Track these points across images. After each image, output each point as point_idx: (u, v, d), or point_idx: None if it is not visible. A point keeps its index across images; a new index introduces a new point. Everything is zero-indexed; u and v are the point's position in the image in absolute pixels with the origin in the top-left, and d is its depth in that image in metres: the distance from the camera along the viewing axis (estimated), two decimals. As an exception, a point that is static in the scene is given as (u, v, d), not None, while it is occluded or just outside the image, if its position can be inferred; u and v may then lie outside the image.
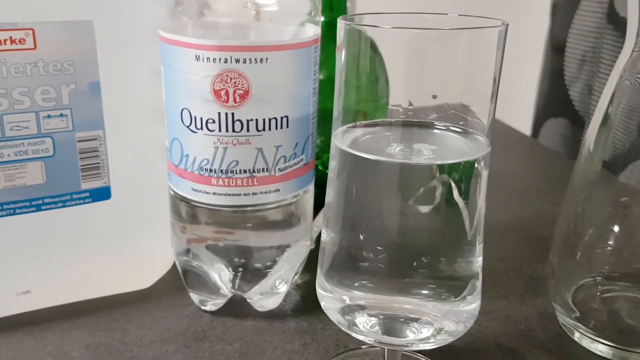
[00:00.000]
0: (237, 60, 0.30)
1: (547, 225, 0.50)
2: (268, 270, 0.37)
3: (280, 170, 0.34)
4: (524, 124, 0.85)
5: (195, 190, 0.34)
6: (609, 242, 0.36)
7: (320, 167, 0.46)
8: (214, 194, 0.33)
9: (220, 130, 0.32)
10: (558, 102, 0.78)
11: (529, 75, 0.93)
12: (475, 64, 0.26)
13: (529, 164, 0.67)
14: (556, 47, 0.78)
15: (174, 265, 0.40)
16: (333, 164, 0.28)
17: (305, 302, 0.39)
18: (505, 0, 1.07)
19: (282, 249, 0.37)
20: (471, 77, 0.26)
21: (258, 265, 0.36)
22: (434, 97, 0.26)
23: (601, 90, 0.35)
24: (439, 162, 0.26)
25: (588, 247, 0.37)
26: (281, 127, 0.33)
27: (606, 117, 0.35)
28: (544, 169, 0.66)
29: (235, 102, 0.31)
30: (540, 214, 0.52)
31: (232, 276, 0.36)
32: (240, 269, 0.36)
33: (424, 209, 0.26)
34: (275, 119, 0.32)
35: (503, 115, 0.81)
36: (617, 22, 0.67)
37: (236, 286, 0.37)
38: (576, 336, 0.36)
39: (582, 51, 0.74)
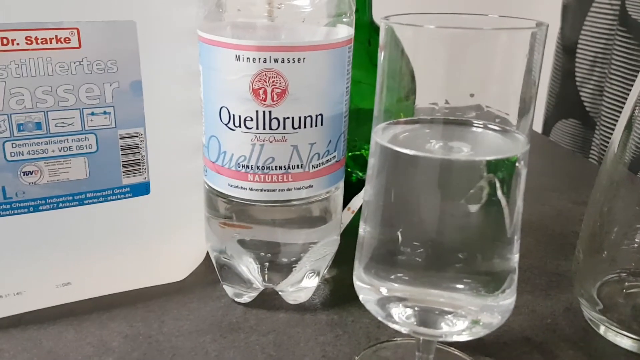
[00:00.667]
0: (276, 60, 0.31)
1: (567, 223, 0.51)
2: (298, 265, 0.37)
3: (313, 167, 0.35)
4: (534, 124, 0.85)
5: (231, 185, 0.35)
6: (635, 240, 0.37)
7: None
8: (250, 189, 0.34)
9: (257, 128, 0.33)
10: (569, 103, 0.78)
11: (540, 76, 0.93)
12: (512, 65, 0.26)
13: (543, 162, 0.68)
14: (567, 49, 0.78)
15: (206, 259, 0.41)
16: (372, 162, 0.29)
17: (334, 295, 0.40)
18: (515, 1, 1.07)
19: (313, 243, 0.38)
20: (510, 78, 0.26)
21: (290, 259, 0.37)
22: (472, 95, 0.27)
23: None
24: (480, 158, 0.27)
25: (613, 244, 0.38)
26: (316, 125, 0.34)
27: (631, 119, 0.35)
28: (559, 167, 0.67)
29: (273, 101, 0.32)
30: (559, 212, 0.53)
31: (259, 270, 0.37)
32: (266, 263, 0.37)
33: (468, 206, 0.26)
34: (311, 117, 0.33)
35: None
36: (628, 24, 0.68)
37: (266, 279, 0.38)
38: (602, 330, 0.37)
39: (593, 52, 0.74)
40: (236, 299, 0.39)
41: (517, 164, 0.27)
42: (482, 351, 0.34)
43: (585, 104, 0.76)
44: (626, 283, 0.38)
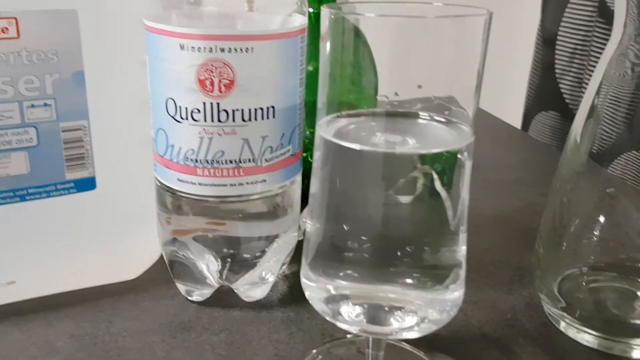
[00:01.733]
0: (222, 50, 0.30)
1: (535, 216, 0.50)
2: (256, 261, 0.37)
3: (266, 160, 0.34)
4: (514, 117, 0.85)
5: (180, 180, 0.33)
6: (595, 233, 0.37)
7: (310, 159, 0.46)
8: (200, 184, 0.33)
9: (205, 120, 0.32)
10: (549, 95, 0.78)
11: (520, 69, 0.93)
12: (460, 54, 0.26)
13: (518, 157, 0.67)
14: (547, 41, 0.78)
15: (162, 256, 0.40)
16: (317, 155, 0.28)
17: (292, 292, 0.39)
18: (497, -7, 1.07)
19: (269, 240, 0.37)
20: (456, 67, 0.26)
21: (245, 256, 0.36)
22: (419, 87, 0.26)
23: None
24: (422, 152, 0.26)
25: (574, 237, 0.37)
26: (267, 118, 0.33)
27: (593, 109, 0.35)
28: (533, 161, 0.66)
29: (221, 92, 0.31)
30: (528, 206, 0.52)
31: (219, 267, 0.36)
32: (228, 260, 0.36)
33: (406, 198, 0.26)
34: (262, 109, 0.32)
35: (494, 109, 0.81)
36: (607, 16, 0.67)
37: (224, 277, 0.37)
38: (562, 326, 0.36)
39: (573, 44, 0.74)
40: (190, 298, 0.38)
41: (460, 156, 0.26)
42: (437, 347, 0.34)
43: (565, 96, 0.75)
44: (587, 277, 0.38)
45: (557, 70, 0.77)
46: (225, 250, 0.36)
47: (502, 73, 1.06)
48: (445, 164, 0.26)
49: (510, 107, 0.90)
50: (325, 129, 0.27)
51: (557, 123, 0.78)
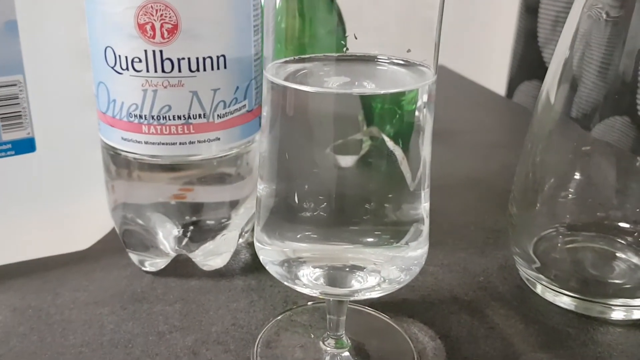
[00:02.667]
0: (163, -10, 0.27)
1: (510, 178, 0.48)
2: (217, 228, 0.34)
3: (219, 116, 0.31)
4: (498, 87, 0.83)
5: (125, 139, 0.31)
6: (571, 191, 0.35)
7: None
8: (146, 143, 0.31)
9: (148, 71, 0.29)
10: (532, 64, 0.76)
11: (503, 38, 0.91)
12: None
13: (498, 121, 0.66)
14: (530, 9, 0.76)
15: (116, 225, 0.38)
16: (266, 110, 0.25)
17: (255, 260, 0.36)
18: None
19: (233, 205, 0.34)
20: (414, 4, 0.23)
21: (209, 222, 0.34)
22: (378, 27, 0.24)
23: None
24: (381, 92, 0.23)
25: (549, 197, 0.35)
26: (218, 68, 0.30)
27: (565, 63, 0.33)
28: (513, 125, 0.64)
29: (164, 38, 0.28)
30: (505, 169, 0.50)
31: (178, 234, 0.34)
32: (189, 227, 0.34)
33: (359, 152, 0.23)
34: (211, 57, 0.30)
35: (477, 78, 0.79)
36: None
37: (182, 245, 0.34)
38: (538, 289, 0.34)
39: (555, 12, 0.72)
40: (143, 268, 0.35)
41: (419, 102, 0.24)
42: (405, 312, 0.32)
43: (548, 65, 0.74)
44: (563, 238, 0.36)
45: (539, 39, 0.75)
46: (182, 217, 0.34)
47: (486, 42, 1.03)
48: (403, 113, 0.24)
49: (494, 77, 0.87)
50: (274, 73, 0.24)
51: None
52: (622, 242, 0.35)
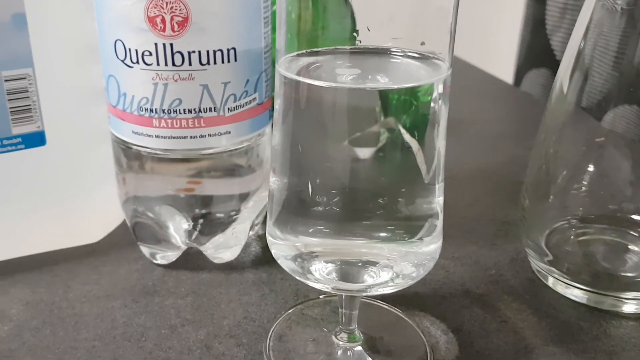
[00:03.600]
0: (173, -17, 0.27)
1: (521, 170, 0.48)
2: (230, 221, 0.34)
3: (230, 110, 0.31)
4: (506, 75, 0.82)
5: (136, 133, 0.31)
6: (584, 184, 0.35)
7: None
8: (157, 136, 0.30)
9: (158, 64, 0.29)
10: (540, 52, 0.75)
11: (511, 26, 0.90)
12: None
13: (506, 110, 0.65)
14: (538, -4, 0.75)
15: (125, 218, 0.38)
16: (278, 102, 0.25)
17: (265, 253, 0.37)
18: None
19: (243, 197, 0.34)
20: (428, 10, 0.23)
21: (219, 215, 0.34)
22: (392, 19, 0.23)
23: None
24: (395, 86, 0.23)
25: (561, 189, 0.35)
26: (228, 61, 0.30)
27: (579, 53, 0.32)
28: (522, 115, 0.64)
29: (174, 31, 0.28)
30: (514, 159, 0.50)
31: (188, 227, 0.34)
32: (200, 220, 0.34)
33: (374, 146, 0.23)
34: (221, 51, 0.29)
35: (485, 66, 0.78)
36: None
37: (192, 238, 0.34)
38: (550, 281, 0.34)
39: (563, 0, 0.71)
40: (155, 261, 0.35)
41: (434, 95, 0.23)
42: (416, 305, 0.32)
43: (556, 52, 0.73)
44: (576, 230, 0.36)
45: (547, 27, 0.74)
46: (192, 210, 0.34)
47: (493, 30, 1.03)
48: (418, 106, 0.23)
49: (501, 65, 0.87)
50: (287, 67, 0.24)
51: (549, 81, 0.75)
52: (635, 234, 0.34)
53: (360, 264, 0.26)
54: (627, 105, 0.33)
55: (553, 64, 0.74)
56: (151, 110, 0.30)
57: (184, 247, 0.35)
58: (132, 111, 0.30)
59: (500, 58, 0.91)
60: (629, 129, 0.33)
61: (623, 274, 0.33)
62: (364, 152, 0.24)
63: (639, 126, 0.33)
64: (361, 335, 0.29)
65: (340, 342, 0.29)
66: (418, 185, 0.25)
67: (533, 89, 0.77)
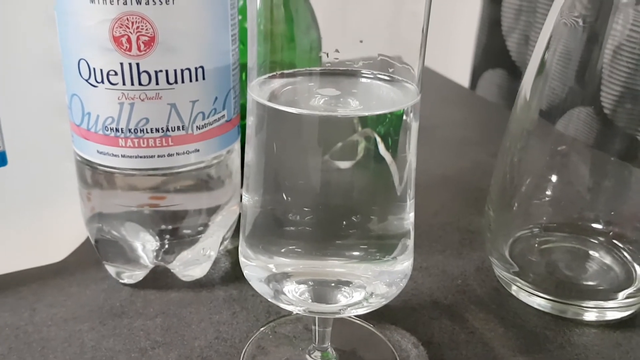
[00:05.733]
0: (139, 2, 0.27)
1: (484, 176, 0.49)
2: (197, 237, 0.34)
3: (198, 128, 0.31)
4: (462, 75, 0.84)
5: (101, 152, 0.30)
6: (547, 192, 0.36)
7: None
8: (123, 156, 0.30)
9: (124, 84, 0.28)
10: (496, 53, 0.77)
11: (467, 27, 0.91)
12: (402, 8, 0.23)
13: (465, 115, 0.66)
14: (493, -3, 0.76)
15: (90, 236, 0.37)
16: (251, 120, 0.25)
17: (235, 269, 0.36)
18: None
19: (210, 212, 0.34)
20: (399, 21, 0.23)
21: (186, 231, 0.33)
22: (361, 42, 0.24)
23: (538, 40, 0.34)
24: (365, 114, 0.23)
25: (525, 197, 0.36)
26: (196, 80, 0.29)
27: (542, 64, 0.33)
28: (481, 120, 0.65)
29: (140, 51, 0.28)
30: (476, 166, 0.51)
31: (156, 245, 0.33)
32: (167, 237, 0.33)
33: (349, 164, 0.23)
34: (189, 69, 0.29)
35: (441, 67, 0.79)
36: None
37: (160, 256, 0.34)
38: (513, 290, 0.35)
39: (518, 1, 0.73)
40: (121, 280, 0.35)
41: (405, 117, 0.24)
42: (387, 319, 0.32)
43: (512, 53, 0.75)
44: (539, 239, 0.37)
45: (503, 28, 0.75)
46: (162, 226, 0.33)
47: (449, 31, 1.04)
48: (390, 127, 0.24)
49: (457, 66, 0.88)
50: (258, 91, 0.24)
51: (505, 81, 0.77)
52: (595, 241, 0.36)
53: (333, 284, 0.26)
54: (583, 108, 0.34)
55: (509, 65, 0.75)
56: (117, 130, 0.29)
57: (151, 266, 0.34)
58: (97, 131, 0.30)
59: (456, 59, 0.93)
60: (584, 132, 0.34)
61: (584, 282, 0.34)
62: (341, 170, 0.24)
63: (593, 128, 0.34)
64: (334, 352, 0.29)
65: (314, 361, 0.29)
66: (392, 202, 0.25)
67: (489, 89, 0.78)
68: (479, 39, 0.81)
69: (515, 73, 0.75)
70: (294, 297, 0.26)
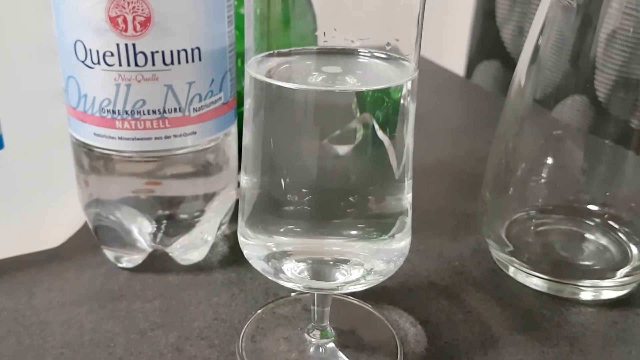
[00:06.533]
0: (135, -18, 0.27)
1: (479, 163, 0.49)
2: (195, 221, 0.34)
3: (195, 110, 0.31)
4: (457, 67, 0.84)
5: (98, 135, 0.30)
6: (542, 176, 0.36)
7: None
8: (120, 138, 0.30)
9: (120, 65, 0.28)
10: (490, 44, 0.77)
11: (462, 18, 0.92)
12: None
13: (461, 104, 0.66)
14: (487, -12, 0.76)
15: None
16: (248, 102, 0.25)
17: (233, 252, 0.36)
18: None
19: (207, 198, 0.34)
20: (394, 10, 0.23)
21: (183, 216, 0.33)
22: (356, 22, 0.24)
23: None
24: (363, 89, 0.23)
25: (521, 181, 0.36)
26: (192, 61, 0.29)
27: (536, 49, 0.33)
28: (476, 108, 0.65)
29: (136, 31, 0.28)
30: (471, 153, 0.51)
31: (153, 229, 0.33)
32: (164, 222, 0.33)
33: (347, 144, 0.23)
34: (185, 50, 0.29)
35: (436, 58, 0.79)
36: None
37: (158, 240, 0.34)
38: (511, 271, 0.35)
39: (513, -9, 0.73)
40: (119, 264, 0.35)
41: (403, 98, 0.24)
42: (385, 299, 0.32)
43: (506, 44, 0.75)
44: (535, 221, 0.37)
45: (497, 19, 0.76)
46: (160, 211, 0.33)
47: (444, 22, 1.04)
48: (388, 107, 0.24)
49: (453, 57, 0.88)
50: (256, 68, 0.24)
51: (499, 72, 0.77)
52: (591, 223, 0.36)
53: (331, 262, 0.26)
54: (577, 95, 0.34)
55: (504, 56, 0.75)
56: (114, 112, 0.29)
57: (149, 250, 0.34)
58: (94, 113, 0.29)
59: (452, 50, 0.93)
60: (578, 119, 0.34)
61: (580, 262, 0.35)
62: (339, 150, 0.24)
63: (587, 115, 0.34)
64: (333, 331, 0.29)
65: (313, 339, 0.29)
66: (389, 183, 0.25)
67: (484, 81, 0.79)
68: (474, 31, 0.81)
69: (510, 64, 0.75)
70: (293, 275, 0.26)
